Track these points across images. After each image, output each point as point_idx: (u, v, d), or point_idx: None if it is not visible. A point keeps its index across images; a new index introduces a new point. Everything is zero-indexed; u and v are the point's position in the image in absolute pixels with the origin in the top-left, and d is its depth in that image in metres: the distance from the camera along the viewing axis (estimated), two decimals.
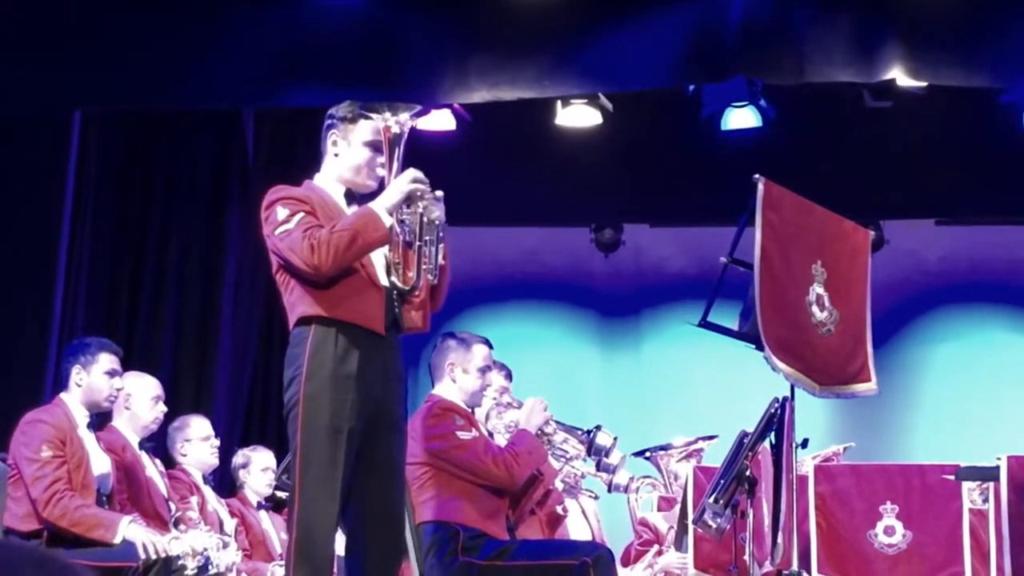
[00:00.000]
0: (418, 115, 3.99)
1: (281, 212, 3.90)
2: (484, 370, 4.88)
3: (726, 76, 6.60)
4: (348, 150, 4.03)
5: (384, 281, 3.97)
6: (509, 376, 5.37)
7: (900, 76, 6.25)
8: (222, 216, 7.52)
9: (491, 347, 4.96)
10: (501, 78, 6.32)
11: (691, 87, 7.42)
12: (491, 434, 5.11)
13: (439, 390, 4.88)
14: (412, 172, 3.91)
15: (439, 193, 3.94)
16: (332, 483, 3.82)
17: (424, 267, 3.93)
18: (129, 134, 7.39)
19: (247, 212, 7.60)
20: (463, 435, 4.72)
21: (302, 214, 3.89)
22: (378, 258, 3.98)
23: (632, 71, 6.37)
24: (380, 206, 3.89)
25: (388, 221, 3.87)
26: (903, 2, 6.21)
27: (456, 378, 4.84)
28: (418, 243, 3.92)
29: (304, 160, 7.71)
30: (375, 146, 4.00)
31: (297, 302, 3.92)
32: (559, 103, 7.47)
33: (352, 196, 4.06)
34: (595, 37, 6.32)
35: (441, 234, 3.96)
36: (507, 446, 4.84)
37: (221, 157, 7.59)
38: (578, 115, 7.53)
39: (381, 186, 4.00)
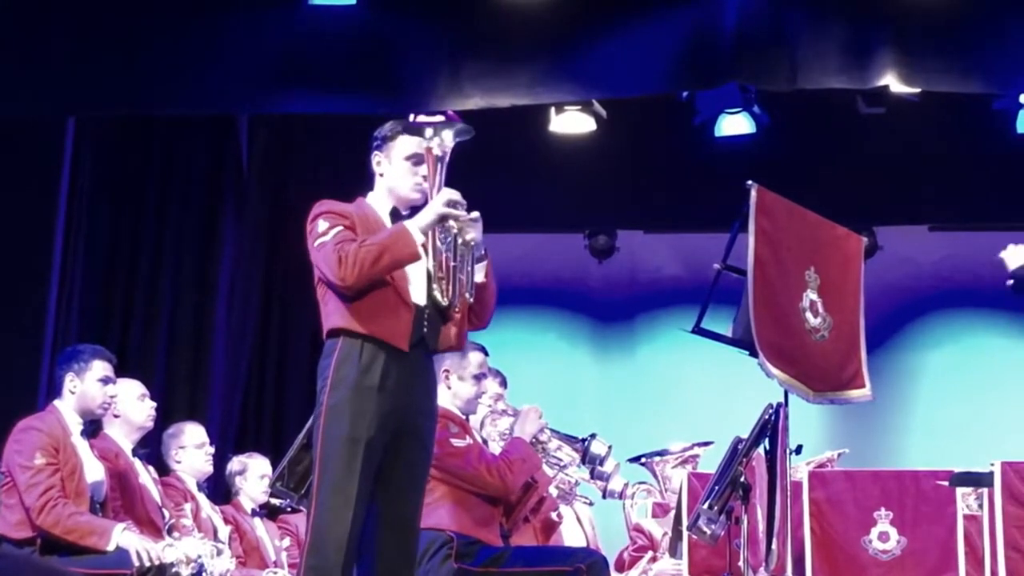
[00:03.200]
0: (460, 134, 4.01)
1: (322, 225, 3.99)
2: (479, 377, 4.89)
3: (719, 82, 6.60)
4: (390, 167, 4.11)
5: (417, 299, 4.01)
6: (504, 383, 5.37)
7: (893, 82, 6.26)
8: (216, 222, 7.52)
9: (486, 354, 4.96)
10: (495, 85, 6.33)
11: (685, 94, 7.43)
12: (485, 441, 5.11)
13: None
14: (447, 194, 3.96)
15: (475, 215, 3.98)
16: (347, 492, 3.86)
17: (460, 286, 3.99)
18: (123, 140, 7.39)
19: (241, 218, 7.61)
20: (457, 442, 4.72)
21: (340, 228, 3.97)
22: (415, 276, 4.02)
23: (626, 78, 6.38)
24: (414, 224, 3.97)
25: (420, 239, 3.94)
26: (896, 8, 6.22)
27: (451, 385, 4.84)
28: (453, 264, 3.98)
29: (298, 166, 7.76)
30: (416, 159, 4.07)
31: (330, 314, 4.00)
32: (553, 110, 7.48)
33: (398, 215, 4.11)
34: (589, 44, 6.33)
35: (479, 253, 4.02)
36: (501, 454, 4.83)
37: (215, 163, 7.59)
38: (572, 122, 7.54)
39: (427, 200, 4.05)
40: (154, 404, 5.40)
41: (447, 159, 4.01)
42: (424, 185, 4.06)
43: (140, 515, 5.13)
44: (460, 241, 3.98)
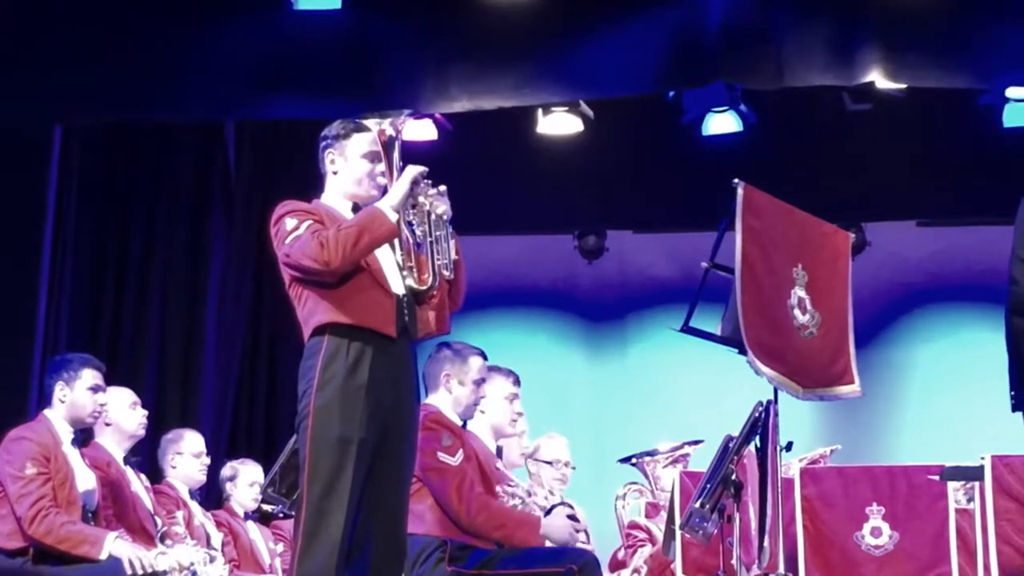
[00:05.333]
0: (409, 116, 4.06)
1: (290, 223, 3.98)
2: (479, 382, 4.87)
3: (706, 81, 6.62)
4: (346, 165, 4.11)
5: (395, 288, 4.02)
6: (517, 381, 5.29)
7: (879, 79, 6.27)
8: (205, 228, 7.51)
9: (486, 358, 4.96)
10: (481, 87, 6.33)
11: (671, 93, 7.44)
12: (500, 450, 5.10)
13: (433, 400, 4.86)
14: (413, 169, 3.98)
15: (442, 188, 4.01)
16: (339, 493, 3.85)
17: (439, 263, 4.00)
18: (110, 147, 7.38)
19: (230, 224, 7.60)
20: (444, 458, 4.67)
21: (311, 221, 3.97)
22: (389, 265, 4.03)
23: (612, 78, 6.39)
24: (385, 204, 3.97)
25: (394, 217, 3.94)
26: (881, 5, 6.23)
27: (452, 389, 4.83)
28: (429, 239, 3.98)
29: (286, 171, 7.74)
30: (373, 156, 4.08)
31: (311, 313, 3.98)
32: (540, 111, 7.49)
33: (359, 209, 4.10)
34: (575, 45, 6.33)
35: (451, 229, 4.02)
36: (498, 504, 4.78)
37: (203, 169, 7.58)
38: (559, 123, 7.55)
39: (385, 194, 4.06)
40: (145, 412, 5.39)
41: (399, 141, 4.03)
42: (383, 181, 4.07)
43: (132, 523, 5.13)
44: (433, 216, 3.99)
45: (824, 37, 6.26)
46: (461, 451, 4.72)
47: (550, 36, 6.35)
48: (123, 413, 5.29)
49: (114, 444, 5.28)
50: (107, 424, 5.25)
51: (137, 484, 5.31)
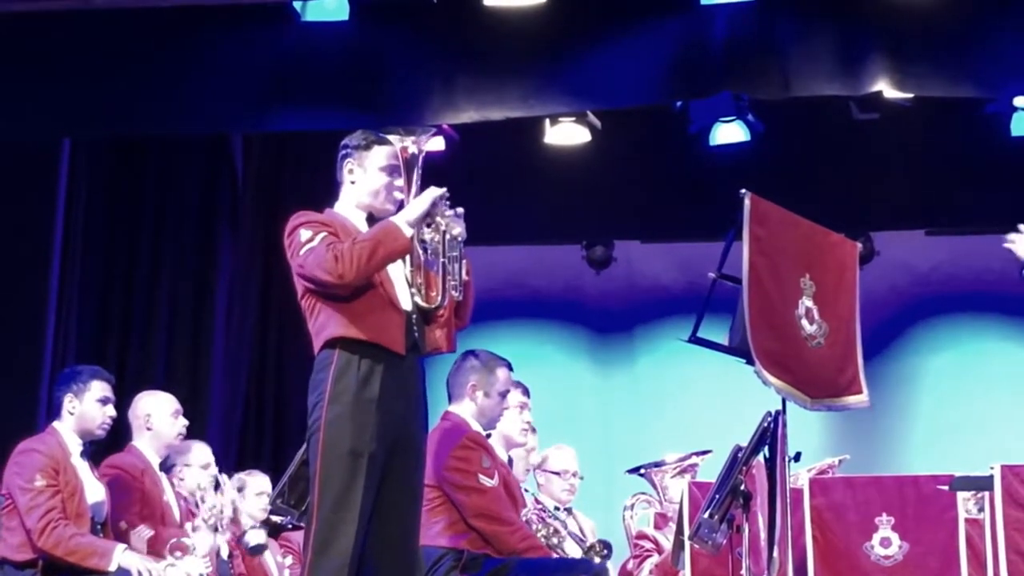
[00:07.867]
0: (433, 136, 4.09)
1: (304, 234, 4.00)
2: (504, 394, 4.89)
3: (713, 92, 6.61)
4: (364, 176, 4.12)
5: (404, 304, 4.04)
6: (526, 392, 5.31)
7: (886, 88, 6.26)
8: (212, 240, 7.53)
9: (512, 369, 4.97)
10: (489, 98, 6.34)
11: (679, 103, 7.44)
12: (511, 460, 5.12)
13: (456, 409, 4.87)
14: (434, 189, 4.00)
15: (459, 210, 4.04)
16: (350, 506, 3.87)
17: (449, 284, 4.02)
18: (118, 160, 7.41)
19: (237, 235, 7.62)
20: (485, 481, 4.70)
21: (325, 233, 3.99)
22: (399, 281, 4.05)
23: (619, 88, 6.39)
24: (401, 219, 3.99)
25: (409, 232, 3.96)
26: (887, 15, 6.23)
27: (478, 400, 4.84)
28: (442, 260, 4.01)
29: (292, 182, 7.77)
30: (391, 170, 4.10)
31: (322, 326, 3.99)
32: (547, 121, 7.50)
33: (373, 221, 4.12)
34: (582, 55, 6.34)
35: (463, 250, 4.05)
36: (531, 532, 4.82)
37: (210, 181, 7.61)
38: (567, 133, 7.56)
39: (400, 209, 4.08)
40: (186, 422, 5.37)
41: (421, 159, 4.06)
42: (399, 196, 4.09)
43: (158, 533, 5.12)
44: (448, 236, 4.01)
45: (830, 47, 6.25)
46: (497, 472, 4.75)
47: (557, 47, 6.35)
48: (165, 420, 5.28)
49: (151, 450, 5.27)
50: (148, 429, 5.24)
51: (169, 493, 5.30)
